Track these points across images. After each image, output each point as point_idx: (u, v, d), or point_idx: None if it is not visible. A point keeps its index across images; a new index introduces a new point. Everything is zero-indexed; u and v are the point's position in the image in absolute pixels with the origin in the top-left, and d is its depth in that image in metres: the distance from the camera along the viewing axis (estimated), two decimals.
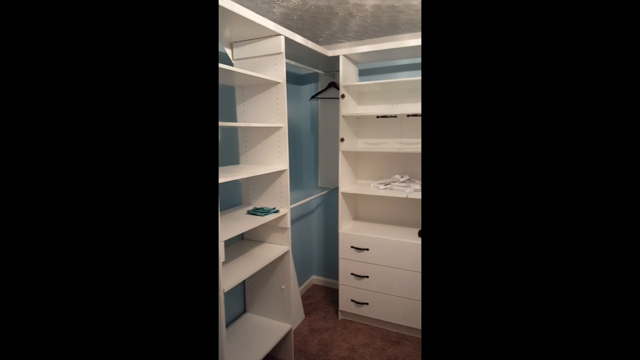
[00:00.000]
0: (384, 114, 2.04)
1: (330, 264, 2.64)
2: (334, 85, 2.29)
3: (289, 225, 1.72)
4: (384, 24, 1.91)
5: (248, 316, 1.89)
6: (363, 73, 2.31)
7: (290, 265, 1.78)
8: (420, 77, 1.85)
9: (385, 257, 1.96)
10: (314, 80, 2.47)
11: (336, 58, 1.99)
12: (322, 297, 2.50)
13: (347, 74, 2.04)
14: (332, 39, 2.20)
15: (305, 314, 2.28)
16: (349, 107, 2.10)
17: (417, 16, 1.78)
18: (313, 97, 2.44)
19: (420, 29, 2.00)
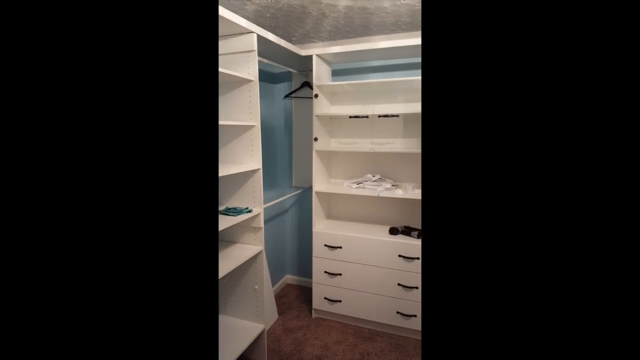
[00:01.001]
0: (357, 115, 2.07)
1: (304, 263, 2.65)
2: (308, 84, 2.30)
3: (262, 225, 1.71)
4: (356, 25, 1.94)
5: (220, 318, 1.85)
6: (336, 73, 2.33)
7: (264, 265, 1.77)
8: (391, 79, 1.90)
9: (358, 255, 2.00)
10: (287, 79, 2.46)
11: (309, 57, 2.00)
12: (296, 296, 2.50)
13: (320, 73, 2.05)
14: (305, 39, 2.21)
15: (279, 313, 2.27)
16: (322, 106, 2.11)
17: (389, 18, 1.82)
18: (287, 96, 2.43)
19: (395, 30, 2.05)
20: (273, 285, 2.50)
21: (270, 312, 2.15)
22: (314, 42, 2.28)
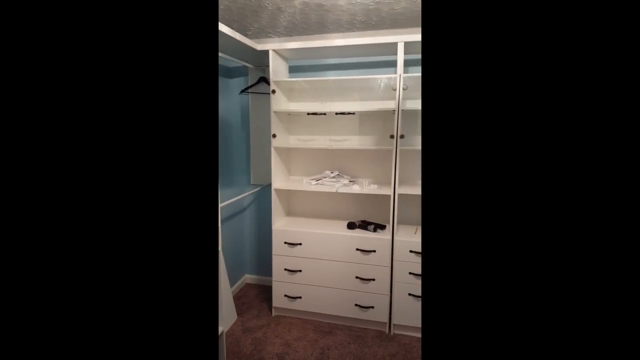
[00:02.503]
0: (315, 111, 2.08)
1: (263, 262, 2.61)
2: (265, 80, 2.26)
3: (219, 224, 1.65)
4: (313, 22, 1.95)
5: None
6: (293, 70, 2.32)
7: (221, 266, 1.71)
8: (347, 77, 1.94)
9: (317, 251, 2.02)
10: (243, 74, 2.40)
11: (266, 52, 1.96)
12: (255, 295, 2.46)
13: (277, 69, 2.03)
14: (261, 33, 2.16)
15: (238, 314, 2.22)
16: (280, 103, 2.09)
17: (344, 16, 1.85)
18: (243, 91, 2.36)
19: (350, 29, 2.09)
20: (232, 286, 2.43)
21: (228, 314, 2.09)
22: (270, 37, 2.24)
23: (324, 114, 2.12)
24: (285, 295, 2.11)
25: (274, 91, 1.99)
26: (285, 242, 2.06)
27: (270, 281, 2.18)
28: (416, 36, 1.78)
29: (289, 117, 2.27)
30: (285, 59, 2.19)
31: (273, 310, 2.20)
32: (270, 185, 2.10)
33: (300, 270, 2.06)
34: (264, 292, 2.51)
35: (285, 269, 2.08)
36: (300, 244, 2.04)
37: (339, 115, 2.15)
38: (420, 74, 2.12)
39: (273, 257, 2.10)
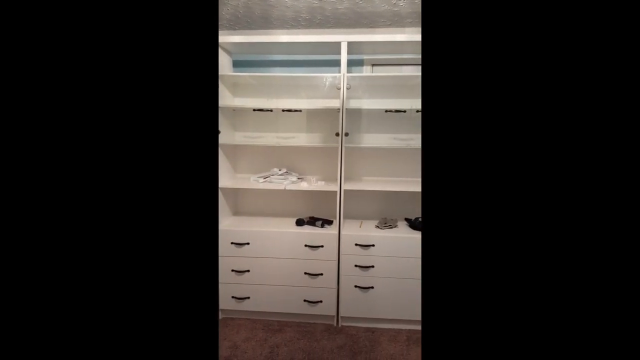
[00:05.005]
0: (261, 108, 2.05)
1: None
2: None
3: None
4: (257, 17, 1.91)
5: None
6: (238, 64, 2.25)
7: None
8: (294, 74, 1.94)
9: (265, 249, 1.99)
10: None
11: None
12: None
13: (220, 63, 1.95)
14: None
15: None
16: (224, 98, 2.02)
17: (288, 13, 1.85)
18: None
19: (295, 25, 2.09)
20: None
21: None
22: None
23: (271, 110, 2.09)
24: (233, 297, 2.05)
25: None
26: (232, 243, 2.00)
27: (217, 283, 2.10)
28: (359, 36, 1.84)
29: (234, 113, 2.21)
30: (228, 52, 2.12)
31: (220, 312, 2.12)
32: None
33: (249, 270, 2.02)
34: None
35: (233, 270, 2.03)
36: (247, 243, 1.99)
37: (285, 112, 2.14)
38: (363, 74, 2.20)
39: (220, 258, 2.03)
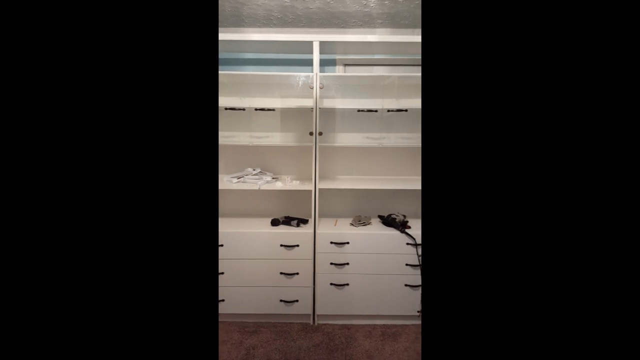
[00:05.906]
0: (233, 107, 2.02)
1: None
2: None
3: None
4: (227, 14, 1.88)
5: None
6: None
7: None
8: (266, 73, 1.92)
9: (241, 250, 1.96)
10: None
11: None
12: None
13: None
14: None
15: None
16: None
17: (260, 11, 1.83)
18: None
19: (267, 24, 2.07)
20: None
21: None
22: None
23: (243, 109, 2.06)
24: None
25: None
26: None
27: None
28: (331, 36, 1.85)
29: None
30: None
31: None
32: None
33: (223, 273, 1.98)
34: None
35: None
36: (222, 245, 1.96)
37: (259, 111, 2.12)
38: (335, 74, 2.22)
39: None
